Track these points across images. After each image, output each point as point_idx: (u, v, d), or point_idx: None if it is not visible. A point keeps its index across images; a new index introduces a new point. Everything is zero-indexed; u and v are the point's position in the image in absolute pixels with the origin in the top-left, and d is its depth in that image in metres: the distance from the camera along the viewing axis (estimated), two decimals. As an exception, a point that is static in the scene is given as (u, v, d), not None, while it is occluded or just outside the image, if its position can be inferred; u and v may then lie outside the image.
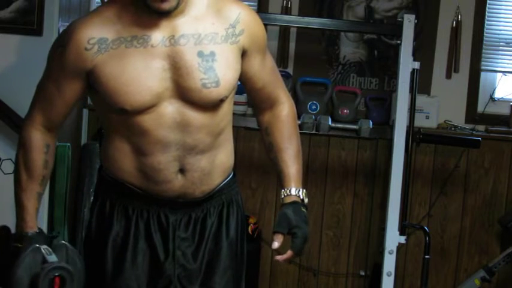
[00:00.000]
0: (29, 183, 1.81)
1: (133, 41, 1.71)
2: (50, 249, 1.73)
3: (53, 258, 1.70)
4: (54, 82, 1.77)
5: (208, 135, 1.79)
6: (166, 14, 1.69)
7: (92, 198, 2.37)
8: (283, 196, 1.90)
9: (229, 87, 1.77)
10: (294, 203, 1.87)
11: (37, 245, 1.72)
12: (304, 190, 1.90)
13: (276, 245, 1.82)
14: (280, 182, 1.93)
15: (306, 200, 1.90)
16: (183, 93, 1.74)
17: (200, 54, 1.73)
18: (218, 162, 1.85)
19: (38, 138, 1.82)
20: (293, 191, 1.89)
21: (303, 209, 1.87)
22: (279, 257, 1.85)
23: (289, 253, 1.85)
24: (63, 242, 1.79)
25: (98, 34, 1.71)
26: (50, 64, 1.79)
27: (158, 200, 1.82)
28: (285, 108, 1.95)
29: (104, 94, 1.73)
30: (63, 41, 1.74)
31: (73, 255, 1.77)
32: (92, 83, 1.75)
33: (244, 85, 1.91)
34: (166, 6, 1.66)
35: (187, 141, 1.77)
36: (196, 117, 1.76)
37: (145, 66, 1.71)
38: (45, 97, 1.80)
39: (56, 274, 1.66)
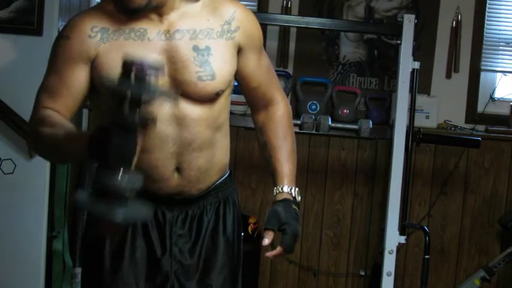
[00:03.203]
0: (61, 124, 1.66)
1: (131, 33, 1.72)
2: None
3: None
4: (59, 74, 1.73)
5: (206, 130, 1.79)
6: (135, 14, 1.69)
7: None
8: (275, 193, 1.89)
9: (225, 81, 1.78)
10: (285, 200, 1.86)
11: None
12: (297, 189, 1.89)
13: (266, 241, 1.80)
14: (273, 180, 1.92)
15: (298, 199, 1.89)
16: (179, 87, 1.74)
17: (195, 48, 1.73)
18: (215, 161, 1.85)
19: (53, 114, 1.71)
20: (285, 189, 1.88)
21: (294, 207, 1.86)
22: (268, 254, 1.84)
23: (278, 249, 1.83)
24: None
25: (99, 24, 1.72)
26: (53, 58, 1.76)
27: (155, 197, 1.82)
28: (280, 108, 1.95)
29: (102, 87, 1.72)
30: (67, 31, 1.74)
31: None
32: (93, 75, 1.73)
33: (240, 83, 1.91)
34: (132, 5, 1.66)
35: (185, 135, 1.77)
36: (193, 110, 1.76)
37: None
38: (50, 91, 1.74)
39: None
